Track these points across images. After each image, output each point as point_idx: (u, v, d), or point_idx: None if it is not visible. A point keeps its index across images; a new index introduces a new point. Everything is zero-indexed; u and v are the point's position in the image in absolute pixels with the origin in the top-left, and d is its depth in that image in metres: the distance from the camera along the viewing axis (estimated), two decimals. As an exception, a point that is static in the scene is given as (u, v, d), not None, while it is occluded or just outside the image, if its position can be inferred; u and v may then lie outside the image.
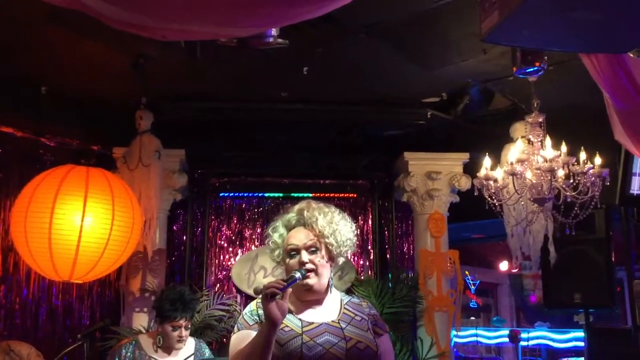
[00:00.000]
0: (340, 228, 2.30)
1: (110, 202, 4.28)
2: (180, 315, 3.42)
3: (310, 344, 2.12)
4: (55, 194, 4.15)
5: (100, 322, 4.43)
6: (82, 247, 4.14)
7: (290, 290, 2.10)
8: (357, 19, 3.77)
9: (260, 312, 2.16)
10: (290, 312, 2.21)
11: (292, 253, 2.25)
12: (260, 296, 2.06)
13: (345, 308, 2.30)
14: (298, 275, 2.14)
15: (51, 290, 5.40)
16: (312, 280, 2.22)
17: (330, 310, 2.28)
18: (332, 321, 2.23)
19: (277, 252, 2.33)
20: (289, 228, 2.32)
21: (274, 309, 2.01)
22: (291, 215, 2.33)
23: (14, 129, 5.31)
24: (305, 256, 2.22)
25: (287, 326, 2.16)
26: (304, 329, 2.17)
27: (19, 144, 5.37)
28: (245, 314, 2.25)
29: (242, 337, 2.16)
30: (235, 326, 2.26)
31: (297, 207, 2.35)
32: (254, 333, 2.13)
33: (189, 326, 3.51)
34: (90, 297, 5.64)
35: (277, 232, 2.34)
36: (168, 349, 3.46)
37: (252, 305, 2.27)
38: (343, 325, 2.22)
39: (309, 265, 2.21)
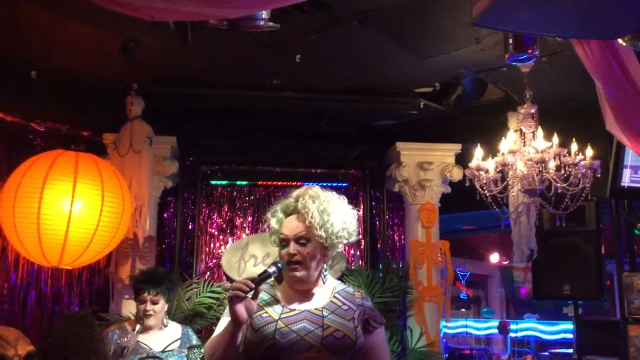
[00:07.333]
0: (332, 219, 2.23)
1: (99, 188, 4.26)
2: (144, 288, 3.42)
3: (284, 330, 2.11)
4: (44, 179, 4.13)
5: (89, 309, 4.41)
6: (71, 232, 4.12)
7: (263, 286, 2.12)
8: (350, 7, 3.74)
9: None
10: (276, 299, 2.21)
11: (283, 243, 2.23)
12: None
13: (334, 296, 2.27)
14: (272, 269, 2.13)
15: (40, 276, 5.37)
16: (299, 272, 2.19)
17: (318, 298, 2.25)
18: (315, 309, 2.20)
19: (273, 238, 2.31)
20: (287, 214, 2.29)
21: (240, 310, 2.02)
22: (290, 201, 2.30)
23: (3, 113, 5.26)
24: (293, 247, 2.19)
25: (266, 312, 2.16)
26: (282, 316, 2.15)
27: (8, 128, 5.31)
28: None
29: (220, 324, 2.19)
30: None
31: (296, 192, 2.31)
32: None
33: (158, 302, 3.51)
34: (80, 283, 5.61)
35: (276, 217, 2.31)
36: (145, 329, 3.45)
37: None
38: (325, 314, 2.19)
39: (296, 258, 2.19)
